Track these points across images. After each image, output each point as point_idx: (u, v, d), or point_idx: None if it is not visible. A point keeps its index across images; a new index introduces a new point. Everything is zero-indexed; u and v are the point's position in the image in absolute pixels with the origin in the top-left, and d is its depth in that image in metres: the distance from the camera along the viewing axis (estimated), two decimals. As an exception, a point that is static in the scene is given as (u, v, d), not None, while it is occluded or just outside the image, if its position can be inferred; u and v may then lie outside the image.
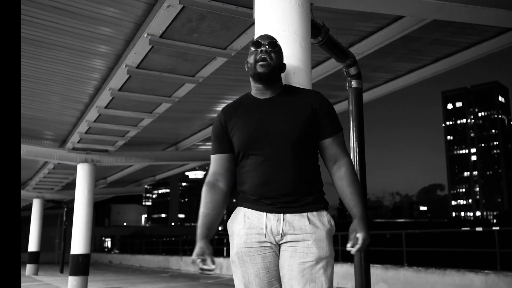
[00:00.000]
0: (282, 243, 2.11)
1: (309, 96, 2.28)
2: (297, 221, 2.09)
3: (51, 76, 7.90)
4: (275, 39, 2.33)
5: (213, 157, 2.29)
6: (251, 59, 2.28)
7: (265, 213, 2.10)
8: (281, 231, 2.08)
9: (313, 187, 2.18)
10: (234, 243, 2.13)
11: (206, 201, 2.22)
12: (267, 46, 2.26)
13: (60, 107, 9.72)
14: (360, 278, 4.36)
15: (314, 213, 2.13)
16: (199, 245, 2.12)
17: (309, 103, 2.24)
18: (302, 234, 2.08)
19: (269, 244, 2.10)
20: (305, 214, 2.11)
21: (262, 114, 2.21)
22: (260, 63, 2.23)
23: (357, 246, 2.08)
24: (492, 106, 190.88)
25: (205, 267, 2.07)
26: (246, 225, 2.12)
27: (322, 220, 2.14)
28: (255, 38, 2.39)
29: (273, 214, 2.09)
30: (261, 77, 2.24)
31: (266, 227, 2.09)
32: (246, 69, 2.32)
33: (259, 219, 2.11)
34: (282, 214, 2.09)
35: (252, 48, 2.30)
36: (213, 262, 2.09)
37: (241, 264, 2.09)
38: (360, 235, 2.09)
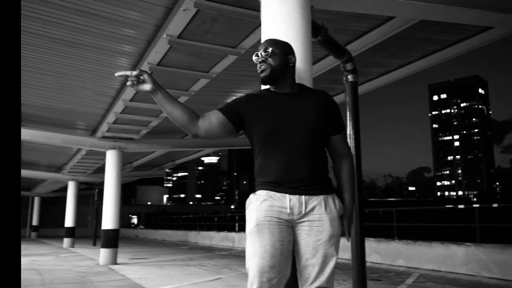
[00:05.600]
0: (299, 222, 2.12)
1: (321, 96, 2.29)
2: (315, 202, 2.12)
3: (82, 73, 7.92)
4: (269, 45, 2.28)
5: (214, 110, 2.25)
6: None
7: (287, 194, 2.10)
8: (302, 211, 2.10)
9: (325, 174, 2.22)
10: (254, 217, 2.11)
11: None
12: (262, 53, 2.26)
13: (91, 100, 9.74)
14: (356, 250, 4.36)
15: (328, 196, 2.17)
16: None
17: (322, 102, 2.26)
18: (319, 215, 2.11)
19: (285, 221, 2.10)
20: (321, 196, 2.14)
21: (286, 105, 2.21)
22: (259, 70, 2.27)
23: (347, 236, 2.26)
24: (473, 97, 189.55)
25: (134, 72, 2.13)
26: (268, 202, 2.11)
27: (334, 202, 2.18)
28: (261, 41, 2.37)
29: (295, 196, 2.10)
30: (263, 82, 2.28)
31: (289, 206, 2.09)
32: None
33: (281, 199, 2.10)
34: (303, 196, 2.11)
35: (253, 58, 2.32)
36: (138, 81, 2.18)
37: (259, 235, 2.08)
38: (345, 223, 2.24)
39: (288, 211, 2.09)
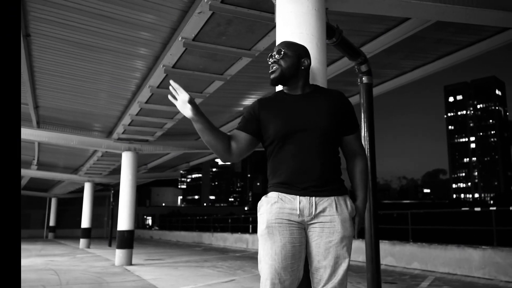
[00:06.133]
0: (310, 224, 2.11)
1: (335, 96, 2.27)
2: (326, 203, 2.10)
3: (99, 76, 8.01)
4: (282, 47, 2.29)
5: (235, 131, 2.25)
6: None
7: (298, 196, 2.10)
8: (312, 213, 2.09)
9: (337, 175, 2.19)
10: (265, 219, 2.12)
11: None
12: (275, 54, 2.29)
13: (107, 102, 9.85)
14: (370, 253, 4.33)
15: (339, 197, 2.14)
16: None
17: (336, 101, 2.24)
18: (330, 216, 2.09)
19: (296, 223, 2.09)
20: (332, 198, 2.12)
21: (297, 107, 2.21)
22: (270, 71, 2.29)
23: (355, 231, 2.21)
24: (489, 99, 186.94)
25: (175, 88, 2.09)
26: (279, 204, 2.11)
27: (346, 204, 2.15)
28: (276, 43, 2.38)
29: (306, 197, 2.09)
30: (272, 83, 2.30)
31: (299, 208, 2.09)
32: None
33: (291, 201, 2.10)
34: (313, 198, 2.09)
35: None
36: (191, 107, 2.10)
37: (270, 237, 2.08)
38: (356, 220, 2.20)
39: (298, 212, 2.09)
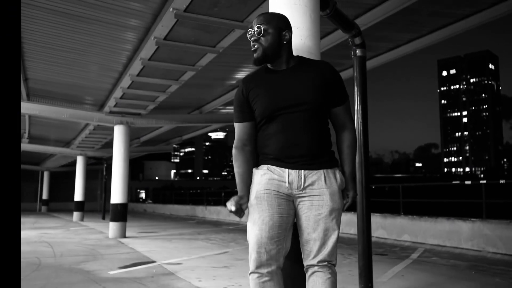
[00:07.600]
0: (299, 197, 2.13)
1: (321, 67, 2.24)
2: (315, 177, 2.12)
3: (90, 47, 7.89)
4: (261, 23, 2.20)
5: (236, 125, 2.27)
6: None
7: (287, 169, 2.12)
8: (301, 186, 2.11)
9: (327, 148, 2.20)
10: (254, 190, 2.16)
11: (239, 162, 2.24)
12: (255, 31, 2.21)
13: (98, 75, 9.74)
14: (362, 225, 4.39)
15: (329, 170, 2.16)
16: (238, 195, 2.18)
17: (322, 73, 2.21)
18: (319, 189, 2.11)
19: (285, 195, 2.12)
20: (321, 171, 2.13)
21: (283, 83, 2.18)
22: (252, 50, 2.23)
23: (347, 204, 2.23)
24: (483, 73, 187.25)
25: (233, 208, 2.13)
26: (268, 175, 2.13)
27: (335, 176, 2.16)
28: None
29: (295, 170, 2.11)
30: (255, 63, 2.24)
31: (288, 180, 2.11)
32: None
33: (280, 173, 2.12)
34: (302, 171, 2.11)
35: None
36: (243, 211, 2.16)
37: (258, 207, 2.12)
38: (350, 194, 2.22)
39: (287, 185, 2.11)
